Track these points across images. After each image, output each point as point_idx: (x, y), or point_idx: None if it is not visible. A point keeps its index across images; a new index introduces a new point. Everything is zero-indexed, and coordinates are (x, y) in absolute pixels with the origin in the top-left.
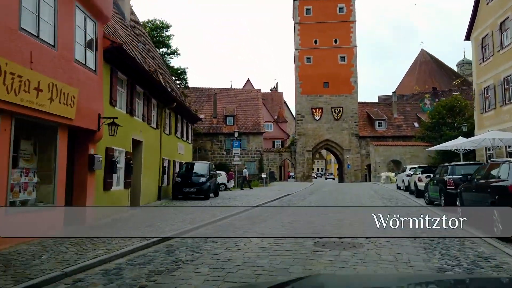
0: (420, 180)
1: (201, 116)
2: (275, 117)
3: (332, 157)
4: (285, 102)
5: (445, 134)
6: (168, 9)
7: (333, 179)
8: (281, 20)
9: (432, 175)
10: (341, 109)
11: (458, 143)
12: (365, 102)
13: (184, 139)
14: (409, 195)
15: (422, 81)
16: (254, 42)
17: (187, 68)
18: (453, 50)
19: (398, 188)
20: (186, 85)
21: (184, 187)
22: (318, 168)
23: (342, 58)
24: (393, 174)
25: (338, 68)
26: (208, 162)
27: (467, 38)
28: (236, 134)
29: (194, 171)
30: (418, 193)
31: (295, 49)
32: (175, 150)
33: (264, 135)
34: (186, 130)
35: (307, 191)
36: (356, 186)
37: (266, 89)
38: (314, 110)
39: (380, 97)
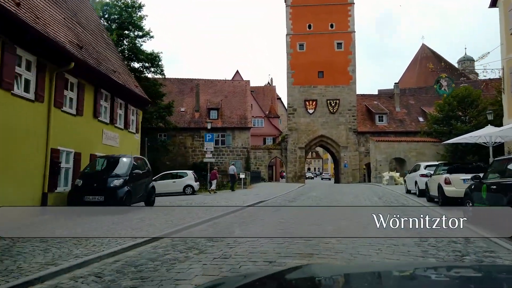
0: (448, 182)
1: (182, 109)
2: (267, 112)
3: (330, 156)
4: (279, 98)
5: (455, 129)
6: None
7: (329, 179)
8: (275, 12)
9: (480, 176)
10: (338, 101)
11: (485, 133)
12: (364, 94)
13: (122, 126)
14: (429, 203)
15: (424, 77)
16: (248, 36)
17: (161, 52)
18: (450, 49)
19: (408, 192)
20: (161, 72)
21: (87, 193)
22: (315, 168)
23: (339, 45)
24: (398, 174)
25: (334, 56)
26: (132, 156)
27: (493, 4)
28: (209, 128)
29: (108, 169)
30: (445, 201)
31: (286, 35)
32: (96, 139)
33: (254, 131)
34: (126, 115)
35: (289, 196)
36: (354, 189)
37: (259, 84)
38: (307, 103)
39: (380, 91)
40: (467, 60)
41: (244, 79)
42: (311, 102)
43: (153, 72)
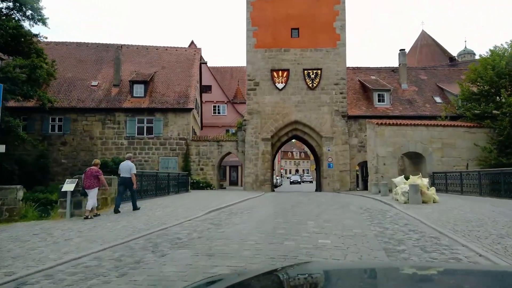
0: None
1: (94, 83)
2: (231, 97)
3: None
4: (204, 63)
5: (502, 106)
6: None
7: (311, 181)
8: None
9: None
10: (319, 72)
11: None
12: (357, 67)
13: None
14: None
15: (424, 65)
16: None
17: None
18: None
19: None
20: (42, 19)
21: None
22: (303, 170)
23: None
24: (426, 182)
25: (314, 7)
26: None
27: None
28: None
29: None
30: None
31: None
32: None
33: (214, 121)
34: None
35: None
36: (341, 211)
37: (228, 63)
38: (275, 74)
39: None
40: (468, 54)
41: (211, 61)
42: (280, 73)
43: (30, 19)
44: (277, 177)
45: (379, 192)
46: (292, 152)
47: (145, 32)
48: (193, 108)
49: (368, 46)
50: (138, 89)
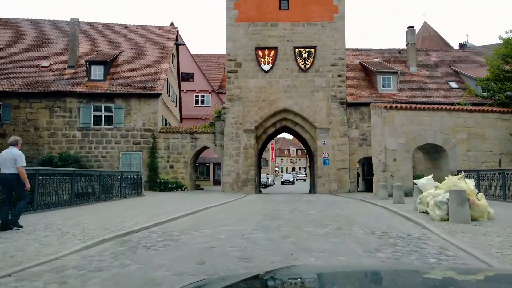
0: None
1: (44, 65)
2: (216, 86)
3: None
4: (182, 44)
5: None
6: None
7: (305, 180)
8: None
9: None
10: (313, 50)
11: None
12: (357, 49)
13: None
14: None
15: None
16: None
17: None
18: (450, 38)
19: None
20: None
21: None
22: (300, 168)
23: None
24: (472, 185)
25: None
26: None
27: None
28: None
29: None
30: None
31: None
32: None
33: (196, 112)
34: None
35: None
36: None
37: (214, 51)
38: (260, 53)
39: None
40: (471, 49)
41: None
42: (267, 51)
43: None
44: (269, 176)
45: (389, 196)
46: (288, 150)
47: (125, 14)
48: (162, 93)
49: (368, 41)
50: (97, 71)
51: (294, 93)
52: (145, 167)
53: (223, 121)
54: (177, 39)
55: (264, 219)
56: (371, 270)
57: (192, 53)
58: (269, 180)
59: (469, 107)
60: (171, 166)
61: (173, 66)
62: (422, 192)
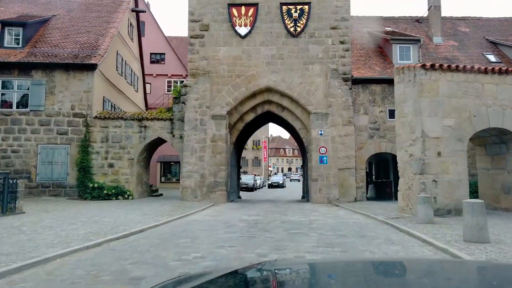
0: None
1: None
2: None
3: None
4: (139, 11)
5: None
6: None
7: (299, 180)
8: None
9: None
10: (306, 8)
11: None
12: (364, 16)
13: None
14: None
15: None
16: None
17: None
18: None
19: None
20: None
21: None
22: (296, 169)
23: None
24: None
25: None
26: None
27: None
28: None
29: None
30: None
31: None
32: None
33: (168, 100)
34: None
35: None
36: None
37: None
38: (235, 12)
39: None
40: None
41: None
42: (244, 9)
43: None
44: (257, 177)
45: (434, 215)
46: (284, 149)
47: None
48: (98, 65)
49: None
50: (13, 36)
51: (280, 66)
52: (73, 166)
53: (184, 103)
54: (136, 5)
55: None
56: (352, 261)
57: (166, 35)
58: (257, 182)
59: None
60: (111, 165)
61: (130, 39)
62: None
